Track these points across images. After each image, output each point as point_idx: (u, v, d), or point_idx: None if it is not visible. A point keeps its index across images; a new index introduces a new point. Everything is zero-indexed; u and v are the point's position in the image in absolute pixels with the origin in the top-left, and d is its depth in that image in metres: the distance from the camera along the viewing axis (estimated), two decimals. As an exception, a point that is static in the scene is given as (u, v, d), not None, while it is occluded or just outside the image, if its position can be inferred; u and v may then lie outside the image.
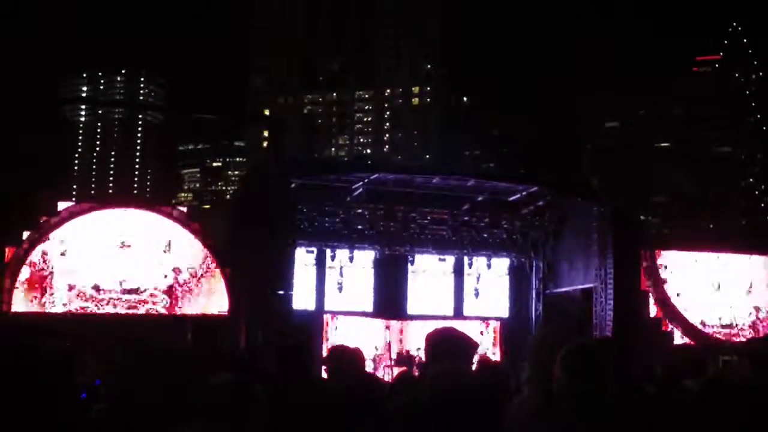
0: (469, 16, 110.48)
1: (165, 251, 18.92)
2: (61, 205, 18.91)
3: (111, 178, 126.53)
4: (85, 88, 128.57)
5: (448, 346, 4.02)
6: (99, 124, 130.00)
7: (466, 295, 19.62)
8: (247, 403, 3.23)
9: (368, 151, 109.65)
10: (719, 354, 16.57)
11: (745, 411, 4.05)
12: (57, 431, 3.50)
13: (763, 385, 4.31)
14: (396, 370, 15.24)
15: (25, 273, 18.08)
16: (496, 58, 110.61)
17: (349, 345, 5.77)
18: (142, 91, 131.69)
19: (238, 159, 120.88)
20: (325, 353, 12.72)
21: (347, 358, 5.38)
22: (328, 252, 18.45)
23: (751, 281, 21.02)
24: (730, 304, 20.74)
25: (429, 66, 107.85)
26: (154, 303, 18.74)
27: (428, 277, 19.46)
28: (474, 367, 4.88)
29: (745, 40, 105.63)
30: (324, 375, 6.13)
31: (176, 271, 18.89)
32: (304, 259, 18.11)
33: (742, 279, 20.94)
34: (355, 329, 18.02)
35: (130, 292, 18.53)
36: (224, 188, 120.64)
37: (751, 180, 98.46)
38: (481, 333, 18.75)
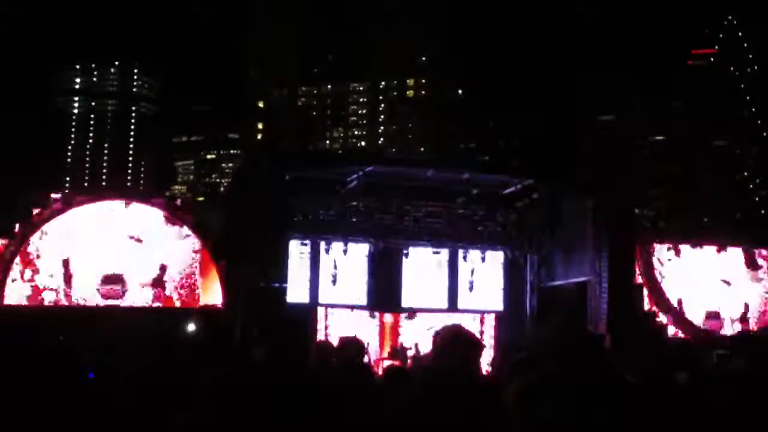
0: (464, 9, 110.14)
1: (158, 243, 18.84)
2: (54, 197, 18.83)
3: (104, 170, 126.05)
4: (78, 79, 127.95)
5: (454, 345, 4.02)
6: (92, 115, 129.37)
7: (460, 288, 19.60)
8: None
9: (363, 143, 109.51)
10: (713, 347, 16.59)
11: (737, 403, 4.04)
12: (59, 421, 3.48)
13: (757, 377, 4.31)
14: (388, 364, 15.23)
15: (17, 265, 18.01)
16: (492, 50, 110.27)
17: (346, 336, 5.74)
18: (135, 83, 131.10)
19: (232, 151, 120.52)
20: (318, 346, 12.71)
21: (341, 349, 5.36)
22: (323, 245, 18.38)
23: (744, 275, 21.08)
24: (723, 297, 20.79)
25: (424, 58, 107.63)
26: (144, 295, 18.67)
27: (422, 270, 19.42)
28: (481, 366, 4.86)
29: (740, 34, 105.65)
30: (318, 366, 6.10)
31: (168, 263, 18.82)
32: (298, 251, 18.06)
33: (735, 272, 20.99)
34: (349, 322, 18.00)
35: (119, 282, 18.45)
36: (218, 181, 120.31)
37: (746, 174, 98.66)
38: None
